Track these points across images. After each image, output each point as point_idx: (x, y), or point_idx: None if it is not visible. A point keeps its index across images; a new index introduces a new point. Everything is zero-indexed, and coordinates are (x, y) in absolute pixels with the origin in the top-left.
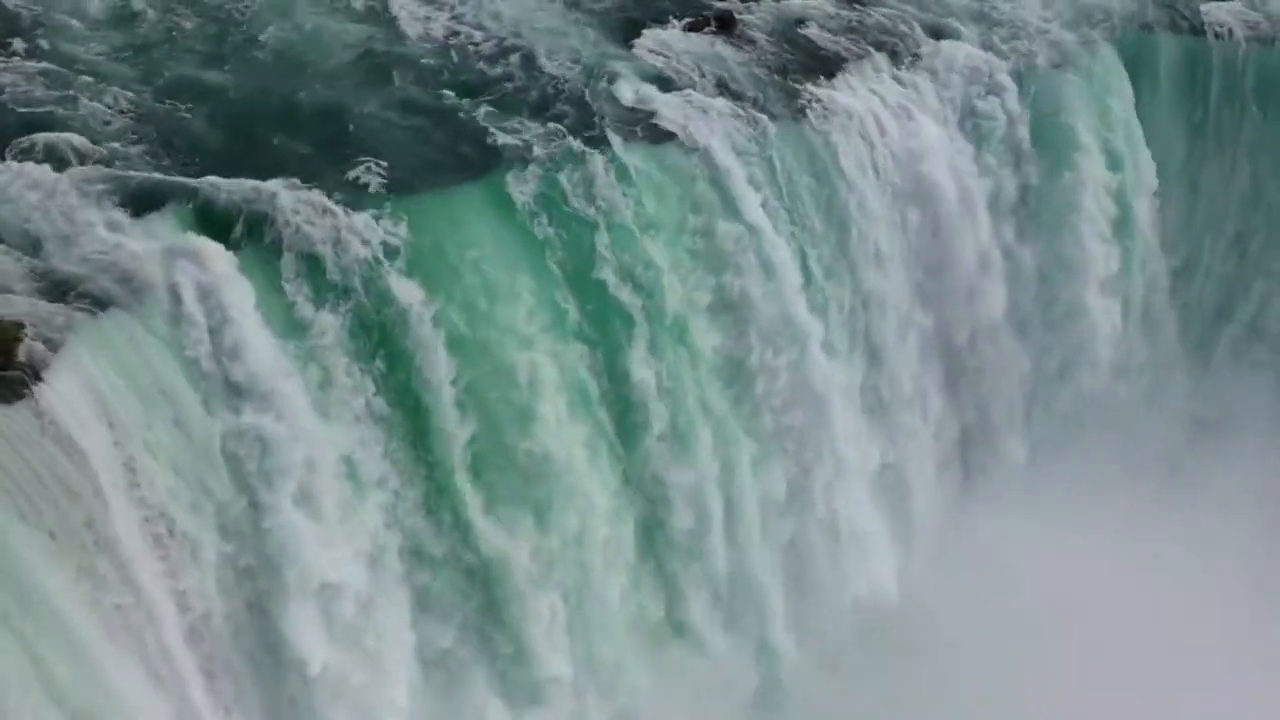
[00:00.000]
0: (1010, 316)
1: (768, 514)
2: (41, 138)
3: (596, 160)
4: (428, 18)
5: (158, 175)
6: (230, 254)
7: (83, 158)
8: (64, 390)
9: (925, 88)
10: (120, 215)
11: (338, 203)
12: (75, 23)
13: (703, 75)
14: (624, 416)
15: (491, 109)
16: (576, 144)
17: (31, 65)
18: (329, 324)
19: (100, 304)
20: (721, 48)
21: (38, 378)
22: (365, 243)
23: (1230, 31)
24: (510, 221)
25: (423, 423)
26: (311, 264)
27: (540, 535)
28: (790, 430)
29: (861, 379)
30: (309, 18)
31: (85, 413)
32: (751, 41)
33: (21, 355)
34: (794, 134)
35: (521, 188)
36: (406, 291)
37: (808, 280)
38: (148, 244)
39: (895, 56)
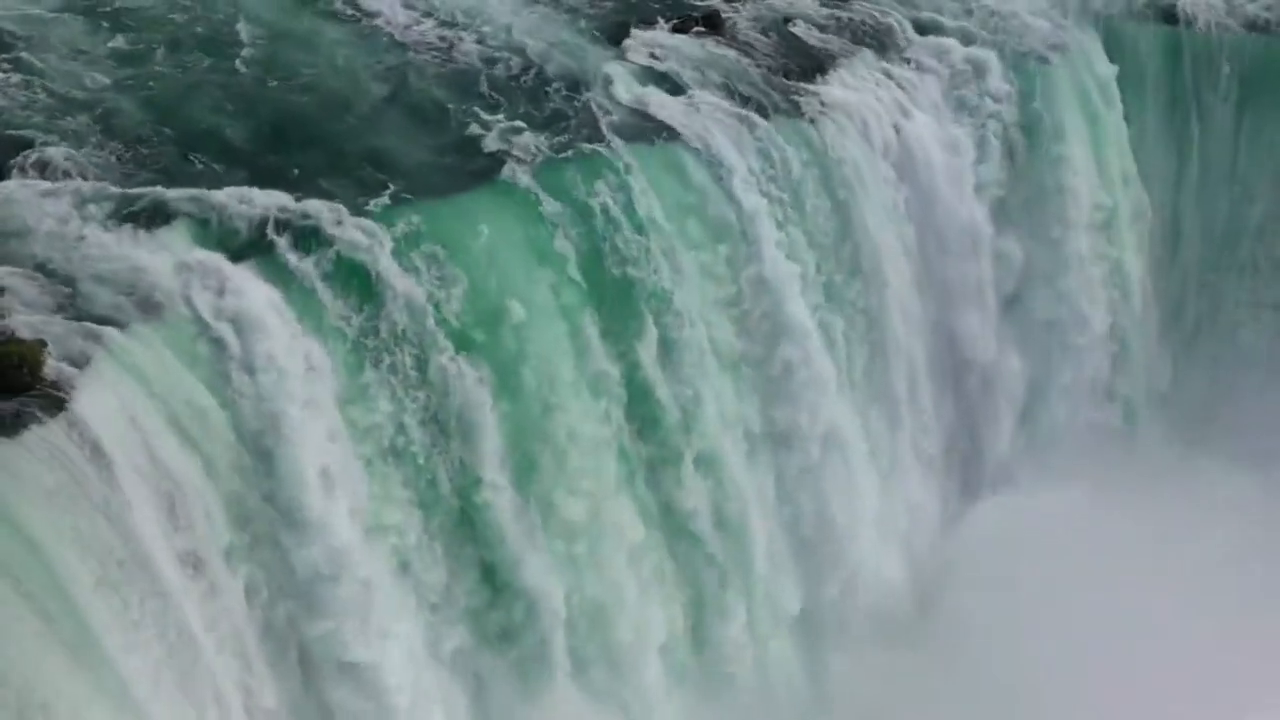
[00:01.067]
0: (1000, 302)
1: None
2: (45, 153)
3: (593, 155)
4: (422, 27)
5: (163, 190)
6: (244, 266)
7: (85, 173)
8: (96, 408)
9: (914, 81)
10: (129, 231)
11: (350, 208)
12: (76, 37)
13: (699, 74)
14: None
15: (494, 114)
16: (573, 141)
17: (33, 81)
18: (354, 327)
19: (117, 321)
20: (713, 47)
21: (66, 397)
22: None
23: (1210, 23)
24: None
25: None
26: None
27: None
28: (787, 421)
29: (862, 369)
30: (306, 28)
31: (118, 430)
32: (741, 40)
33: (49, 374)
34: (791, 129)
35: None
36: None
37: (807, 277)
38: (159, 258)
39: (883, 51)
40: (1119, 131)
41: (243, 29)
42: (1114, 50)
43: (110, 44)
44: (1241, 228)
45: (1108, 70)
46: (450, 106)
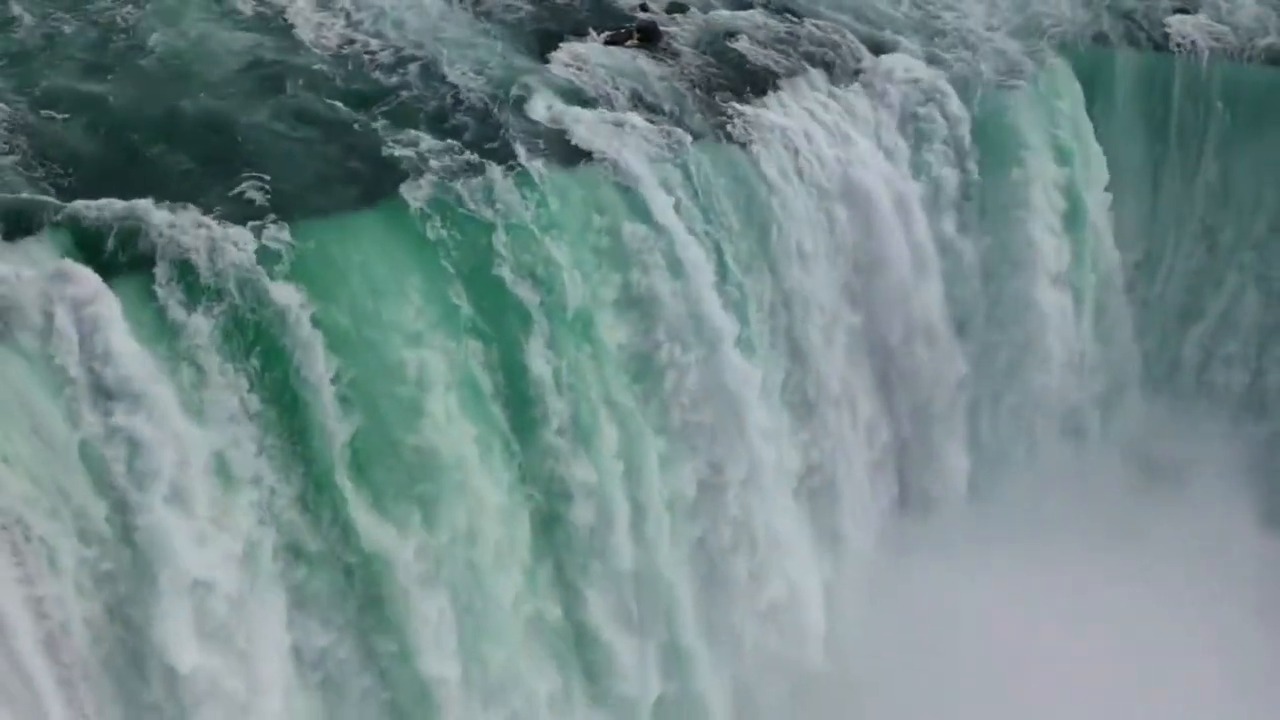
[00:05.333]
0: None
1: (677, 513)
2: None
3: (494, 168)
4: (323, 25)
5: (29, 196)
6: (98, 274)
7: None
8: None
9: (862, 106)
10: None
11: (218, 217)
12: None
13: (618, 90)
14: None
15: (386, 121)
16: (475, 156)
17: None
18: (202, 326)
19: None
20: (644, 62)
21: None
22: (242, 249)
23: (1194, 43)
24: (402, 224)
25: (300, 419)
26: (184, 270)
27: (428, 533)
28: (701, 428)
29: (783, 378)
30: (197, 24)
31: None
32: (676, 55)
33: None
34: (716, 152)
35: (415, 194)
36: (284, 294)
37: (730, 302)
38: (21, 270)
39: (832, 72)
40: (1087, 156)
41: (131, 27)
42: (1084, 74)
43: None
44: (1219, 266)
45: (1076, 94)
46: (350, 117)
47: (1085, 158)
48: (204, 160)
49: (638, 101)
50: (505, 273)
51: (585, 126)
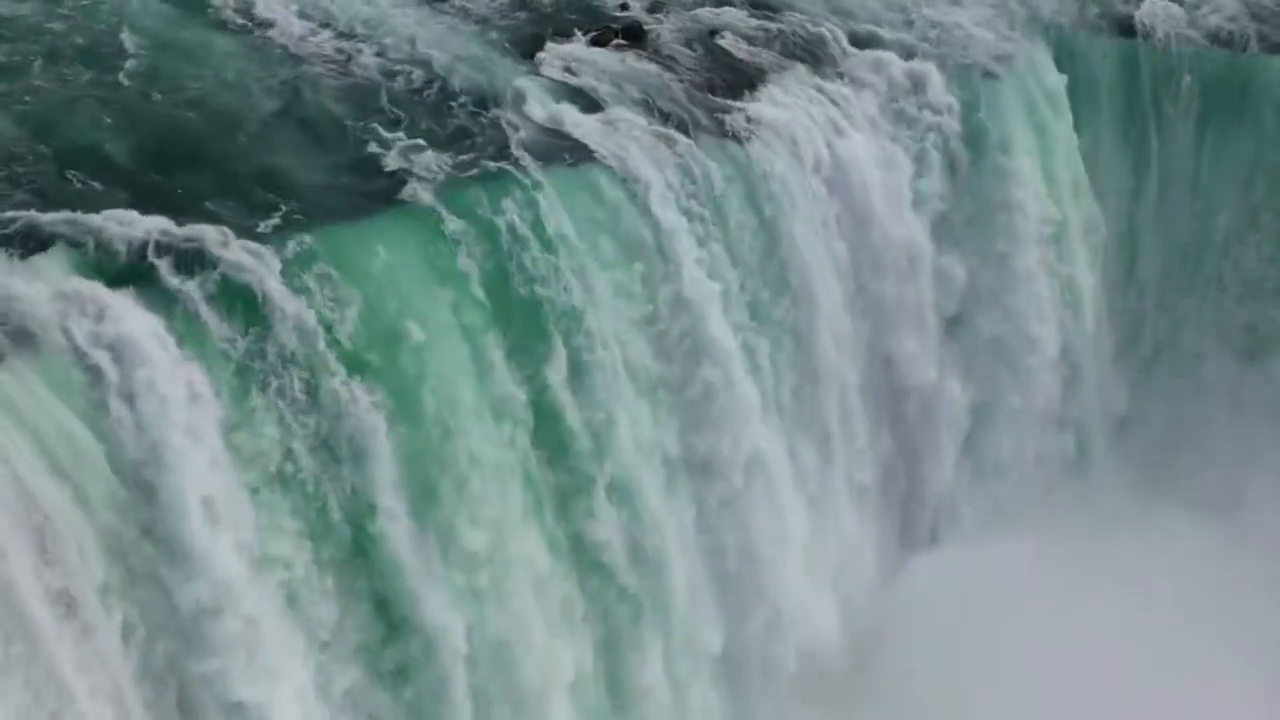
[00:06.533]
0: (941, 323)
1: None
2: None
3: (497, 168)
4: (319, 38)
5: (37, 213)
6: (122, 292)
7: None
8: None
9: (849, 96)
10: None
11: (238, 233)
12: None
13: (617, 90)
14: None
15: (394, 132)
16: (473, 157)
17: None
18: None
19: None
20: (633, 61)
21: None
22: (270, 268)
23: (1169, 35)
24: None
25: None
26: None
27: None
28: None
29: (790, 393)
30: (194, 40)
31: None
32: (664, 54)
33: None
34: (714, 146)
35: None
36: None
37: (730, 295)
38: (34, 287)
39: (817, 65)
40: (1069, 143)
41: (126, 39)
42: (1065, 62)
43: None
44: (1204, 243)
45: (1057, 81)
46: (348, 123)
47: (1067, 145)
48: (210, 172)
49: (631, 100)
50: (513, 270)
51: (582, 126)
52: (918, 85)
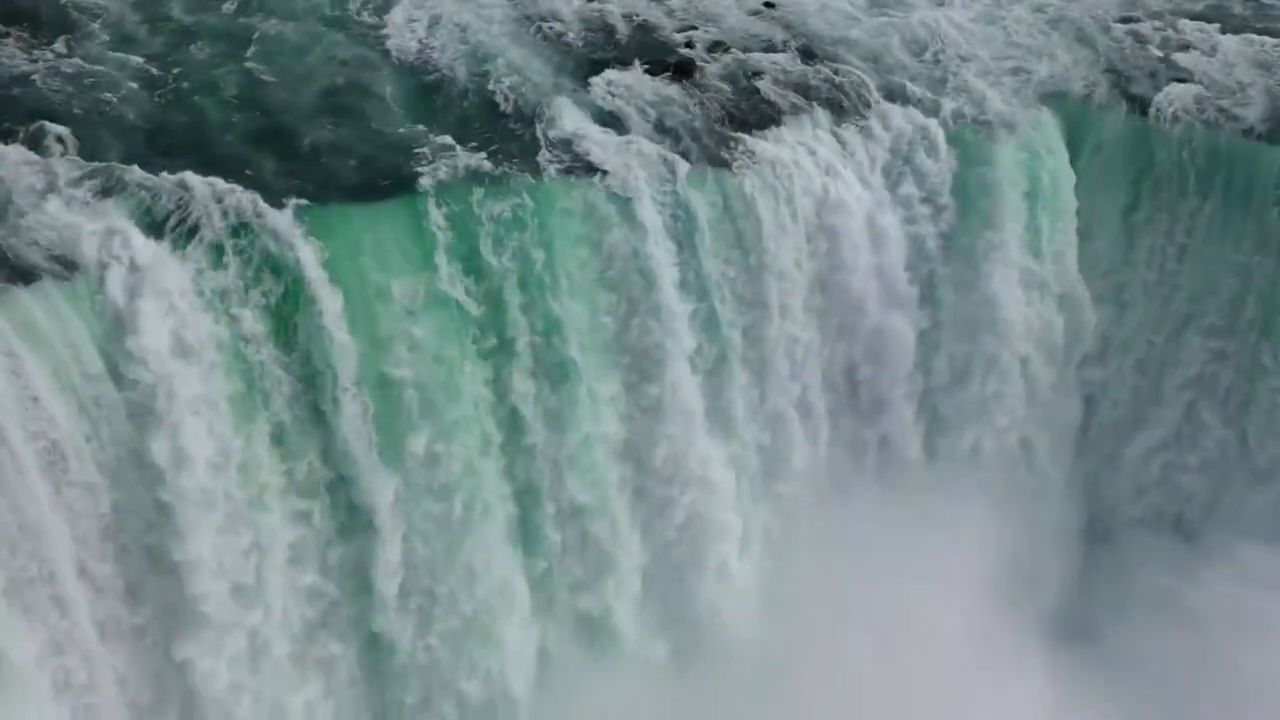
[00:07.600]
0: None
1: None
2: (44, 125)
3: (501, 171)
4: (411, 38)
5: (122, 166)
6: (159, 242)
7: (68, 148)
8: None
9: (855, 144)
10: (74, 198)
11: (269, 203)
12: (105, 25)
13: (643, 115)
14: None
15: (435, 133)
16: (503, 169)
17: (73, 58)
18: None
19: (26, 276)
20: (670, 91)
21: None
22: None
23: (1176, 115)
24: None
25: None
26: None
27: None
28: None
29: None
30: (315, 31)
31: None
32: (701, 88)
33: None
34: (709, 175)
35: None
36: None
37: (699, 317)
38: (89, 225)
39: (840, 112)
40: (1064, 215)
41: (247, 25)
42: (1072, 136)
43: (152, 33)
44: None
45: (1060, 153)
46: (398, 117)
47: (1064, 214)
48: (251, 139)
49: (651, 125)
50: (493, 262)
51: (598, 145)
52: (923, 141)
